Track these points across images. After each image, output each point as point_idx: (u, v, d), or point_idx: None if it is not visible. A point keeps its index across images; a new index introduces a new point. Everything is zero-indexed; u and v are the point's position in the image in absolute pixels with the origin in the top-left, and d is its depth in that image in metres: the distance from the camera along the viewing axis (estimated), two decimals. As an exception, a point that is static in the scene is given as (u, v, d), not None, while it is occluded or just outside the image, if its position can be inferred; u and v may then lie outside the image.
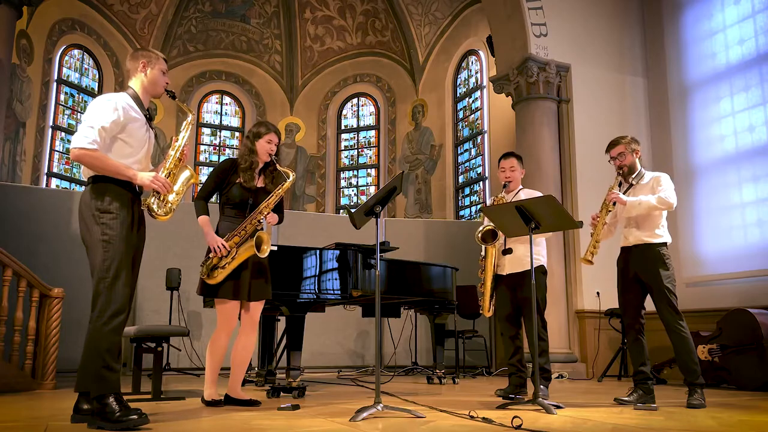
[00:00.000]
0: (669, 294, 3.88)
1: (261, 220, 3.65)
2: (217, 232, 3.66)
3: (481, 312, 4.44)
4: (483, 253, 4.40)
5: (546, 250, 4.54)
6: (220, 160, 11.93)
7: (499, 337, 8.06)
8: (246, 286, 3.65)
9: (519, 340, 4.43)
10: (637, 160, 4.15)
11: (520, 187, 4.57)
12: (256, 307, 3.79)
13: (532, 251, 3.82)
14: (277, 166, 3.83)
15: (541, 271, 4.40)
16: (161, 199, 2.99)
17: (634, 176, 4.13)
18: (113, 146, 2.95)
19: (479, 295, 4.44)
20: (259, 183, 3.81)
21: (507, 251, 4.34)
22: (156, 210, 2.97)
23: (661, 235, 3.99)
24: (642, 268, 3.97)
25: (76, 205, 6.59)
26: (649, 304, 4.03)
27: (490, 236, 4.26)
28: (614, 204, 4.02)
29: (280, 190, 3.75)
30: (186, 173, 3.11)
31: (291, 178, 3.78)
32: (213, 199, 3.90)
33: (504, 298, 4.40)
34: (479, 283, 4.44)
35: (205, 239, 3.63)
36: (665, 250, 3.97)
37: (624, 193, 4.07)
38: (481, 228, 4.31)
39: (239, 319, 3.81)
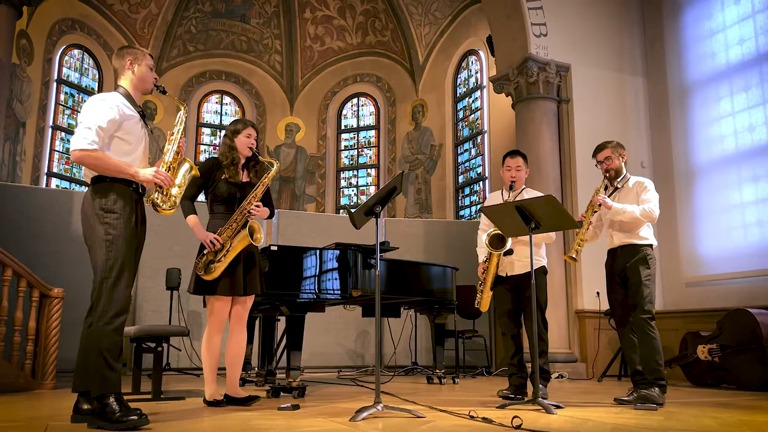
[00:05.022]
0: (644, 290, 3.93)
1: (250, 211, 3.70)
2: (208, 231, 3.69)
3: (477, 306, 4.43)
4: (487, 256, 4.37)
5: (545, 251, 4.57)
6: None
7: (499, 337, 8.07)
8: (241, 281, 3.69)
9: (519, 339, 4.45)
10: (622, 165, 4.26)
11: (524, 186, 4.56)
12: (247, 302, 3.83)
13: (532, 252, 3.84)
14: (260, 158, 3.92)
15: (542, 272, 4.43)
16: (164, 193, 3.02)
17: (619, 180, 4.24)
18: (111, 145, 2.95)
19: (478, 291, 4.43)
20: (244, 177, 3.89)
21: (508, 252, 4.31)
22: (161, 204, 3.00)
23: (646, 237, 4.08)
24: (625, 266, 4.05)
25: (76, 205, 6.54)
26: None
27: (497, 241, 4.22)
28: (599, 206, 4.09)
29: (266, 179, 3.84)
30: (186, 165, 3.15)
31: (275, 167, 3.87)
32: (200, 198, 3.96)
33: (505, 296, 4.42)
34: (479, 282, 4.44)
35: (197, 237, 3.65)
36: (650, 251, 4.05)
37: (609, 196, 4.17)
38: (489, 232, 4.25)
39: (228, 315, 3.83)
